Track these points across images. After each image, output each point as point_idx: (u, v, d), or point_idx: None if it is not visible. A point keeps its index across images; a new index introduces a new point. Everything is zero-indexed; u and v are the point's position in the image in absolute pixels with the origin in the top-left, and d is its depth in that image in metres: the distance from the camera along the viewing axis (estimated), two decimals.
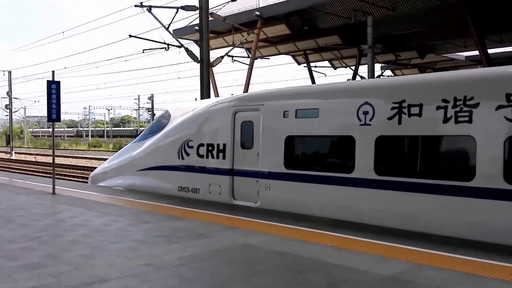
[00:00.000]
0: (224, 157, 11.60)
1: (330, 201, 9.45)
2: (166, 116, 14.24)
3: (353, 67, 39.70)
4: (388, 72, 41.99)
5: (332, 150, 9.78)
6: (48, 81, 13.42)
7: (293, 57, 42.74)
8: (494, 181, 7.32)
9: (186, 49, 18.09)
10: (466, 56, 39.29)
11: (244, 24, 30.64)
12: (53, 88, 13.43)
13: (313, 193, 9.72)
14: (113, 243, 7.59)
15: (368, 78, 22.39)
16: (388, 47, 33.83)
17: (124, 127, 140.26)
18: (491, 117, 7.45)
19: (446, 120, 7.92)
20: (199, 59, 17.72)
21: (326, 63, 41.56)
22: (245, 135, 11.28)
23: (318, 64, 42.68)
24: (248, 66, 31.71)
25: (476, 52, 36.98)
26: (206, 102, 13.08)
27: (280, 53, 40.73)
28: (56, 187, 14.17)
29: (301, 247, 7.28)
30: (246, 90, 32.16)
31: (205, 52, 17.48)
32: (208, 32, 17.46)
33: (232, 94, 13.58)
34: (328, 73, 41.62)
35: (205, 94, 17.58)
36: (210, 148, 11.95)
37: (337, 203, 9.33)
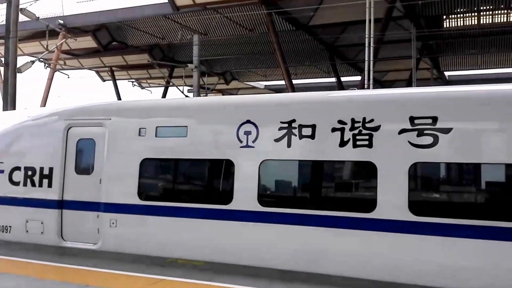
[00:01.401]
0: (50, 185, 8.67)
1: (200, 239, 7.50)
2: None
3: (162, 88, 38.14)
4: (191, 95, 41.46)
5: (205, 177, 7.92)
6: None
7: (97, 72, 39.30)
8: (398, 212, 6.36)
9: None
10: (265, 85, 41.17)
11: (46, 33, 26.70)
12: None
13: (178, 230, 7.66)
14: None
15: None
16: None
17: None
18: (394, 142, 6.52)
19: (343, 143, 6.76)
20: (3, 62, 13.90)
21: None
22: (82, 156, 8.61)
23: (126, 82, 39.99)
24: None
25: (272, 82, 39.38)
26: (21, 114, 9.86)
27: (83, 68, 36.96)
28: None
29: None
30: (43, 104, 27.95)
31: (12, 53, 13.76)
32: (16, 29, 13.83)
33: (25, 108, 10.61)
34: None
35: (9, 105, 13.82)
36: (29, 173, 8.86)
37: (209, 241, 7.44)
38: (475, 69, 30.64)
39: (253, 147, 7.31)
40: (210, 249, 7.42)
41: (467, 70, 31.03)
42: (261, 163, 7.23)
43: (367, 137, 6.64)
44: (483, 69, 30.48)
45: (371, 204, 6.51)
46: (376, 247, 6.46)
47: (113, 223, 8.11)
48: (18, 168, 8.98)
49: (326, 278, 6.47)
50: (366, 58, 18.92)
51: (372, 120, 6.66)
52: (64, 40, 18.90)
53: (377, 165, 6.54)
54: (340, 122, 6.82)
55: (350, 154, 6.74)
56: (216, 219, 7.42)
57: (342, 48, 29.42)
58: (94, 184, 8.34)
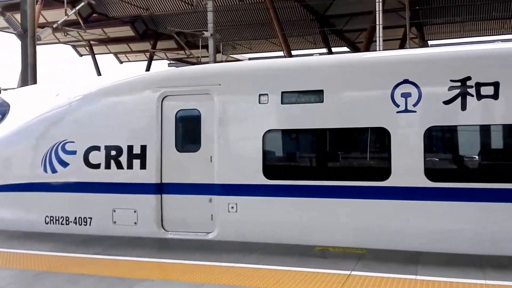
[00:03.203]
0: (143, 166, 6.90)
1: (351, 223, 6.08)
2: (1, 105, 8.28)
3: (144, 62, 35.48)
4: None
5: (351, 149, 6.44)
6: None
7: (74, 47, 36.03)
8: None
9: (1, 13, 11.61)
10: (249, 58, 39.22)
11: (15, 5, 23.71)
12: None
13: (323, 213, 6.19)
14: None
15: None
16: (179, 44, 31.11)
17: None
18: None
19: None
20: (20, 28, 11.53)
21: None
22: (185, 131, 6.93)
23: (104, 57, 36.97)
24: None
25: (255, 55, 37.54)
26: (93, 82, 7.88)
27: (59, 42, 33.71)
28: None
29: None
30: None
31: (29, 19, 11.41)
32: None
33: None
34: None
35: (30, 77, 11.57)
36: (113, 153, 7.04)
37: (363, 225, 6.03)
38: (457, 38, 30.20)
39: (415, 111, 5.89)
40: (365, 233, 6.02)
41: (449, 38, 30.56)
42: (426, 130, 5.84)
43: None
44: (466, 37, 30.10)
45: None
46: None
47: (232, 207, 6.52)
48: (96, 148, 7.13)
49: None
50: (377, 23, 18.17)
51: None
52: (85, 2, 16.15)
53: None
54: None
55: None
56: (370, 198, 6.01)
57: (332, 19, 28.12)
58: (203, 162, 6.68)
